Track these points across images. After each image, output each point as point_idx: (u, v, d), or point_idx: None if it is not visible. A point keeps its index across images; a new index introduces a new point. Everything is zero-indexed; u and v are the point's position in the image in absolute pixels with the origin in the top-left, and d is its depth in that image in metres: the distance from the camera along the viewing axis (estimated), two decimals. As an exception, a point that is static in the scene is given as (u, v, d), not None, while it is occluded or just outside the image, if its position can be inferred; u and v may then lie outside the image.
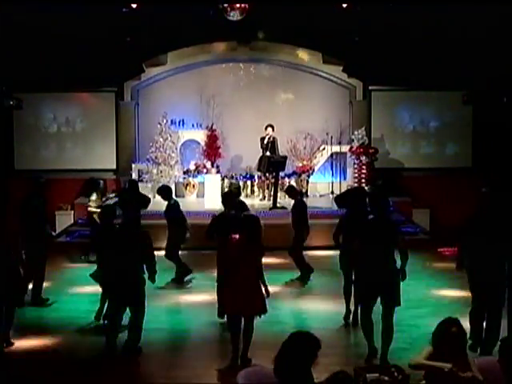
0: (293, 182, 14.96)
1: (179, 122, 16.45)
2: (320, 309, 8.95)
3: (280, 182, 14.61)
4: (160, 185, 12.07)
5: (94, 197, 12.15)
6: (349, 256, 7.70)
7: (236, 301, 6.62)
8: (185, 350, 7.52)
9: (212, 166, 15.95)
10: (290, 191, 10.96)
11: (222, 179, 15.68)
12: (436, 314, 8.25)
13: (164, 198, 10.61)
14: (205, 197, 14.77)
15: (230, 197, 9.05)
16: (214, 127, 16.13)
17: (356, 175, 15.72)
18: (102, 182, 12.83)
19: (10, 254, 7.34)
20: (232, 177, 16.00)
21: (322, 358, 4.53)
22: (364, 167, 15.61)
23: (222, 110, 16.12)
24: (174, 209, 10.51)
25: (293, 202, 10.84)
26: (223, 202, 9.00)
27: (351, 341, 7.83)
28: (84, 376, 6.62)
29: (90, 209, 12.07)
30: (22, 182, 15.12)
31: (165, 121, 15.73)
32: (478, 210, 7.41)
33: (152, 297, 9.47)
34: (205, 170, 15.92)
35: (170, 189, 10.85)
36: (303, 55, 16.68)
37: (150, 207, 11.64)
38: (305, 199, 12.10)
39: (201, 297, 9.52)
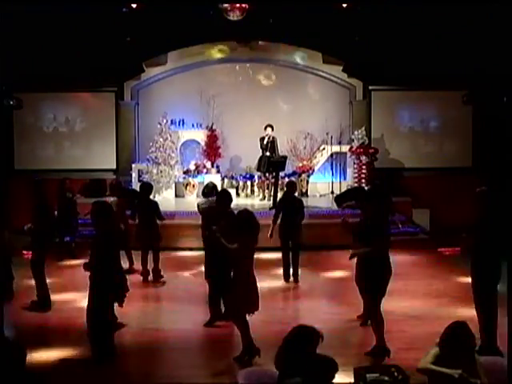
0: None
1: (179, 122, 16.46)
2: (320, 309, 8.95)
3: (280, 182, 14.60)
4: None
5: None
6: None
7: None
8: (184, 349, 7.51)
9: (212, 165, 15.98)
10: (290, 186, 10.80)
11: (222, 179, 15.71)
12: (436, 314, 8.27)
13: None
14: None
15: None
16: (214, 127, 16.15)
17: (356, 175, 15.72)
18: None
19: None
20: (232, 177, 16.03)
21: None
22: (364, 167, 15.61)
23: (222, 110, 16.12)
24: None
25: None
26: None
27: (351, 341, 7.82)
28: (82, 376, 6.61)
29: None
30: (22, 181, 15.32)
31: (165, 121, 15.73)
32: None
33: (151, 297, 9.52)
34: (205, 170, 15.94)
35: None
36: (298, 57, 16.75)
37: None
38: (304, 199, 12.06)
39: (200, 296, 9.53)
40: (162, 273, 10.50)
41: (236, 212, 7.08)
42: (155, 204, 10.76)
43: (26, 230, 9.06)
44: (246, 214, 6.88)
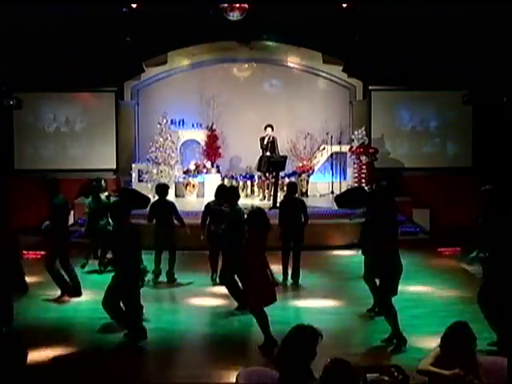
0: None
1: (179, 122, 16.46)
2: (320, 309, 8.95)
3: (280, 182, 14.60)
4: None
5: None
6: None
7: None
8: (185, 350, 7.51)
9: (212, 165, 15.98)
10: (290, 187, 10.87)
11: (222, 179, 15.70)
12: (435, 314, 8.27)
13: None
14: (205, 197, 14.78)
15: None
16: (214, 127, 16.14)
17: (356, 175, 15.71)
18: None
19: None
20: (232, 177, 16.03)
21: (321, 358, 4.52)
22: (364, 167, 15.60)
23: (222, 110, 16.11)
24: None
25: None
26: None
27: (351, 341, 7.82)
28: (82, 375, 6.61)
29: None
30: (22, 181, 15.30)
31: (165, 121, 15.72)
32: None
33: (152, 296, 9.51)
34: (205, 170, 15.94)
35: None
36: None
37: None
38: (304, 199, 12.07)
39: (201, 296, 9.53)
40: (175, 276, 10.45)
41: (250, 210, 7.55)
42: (172, 205, 10.65)
43: (43, 229, 9.11)
44: (260, 211, 7.35)
